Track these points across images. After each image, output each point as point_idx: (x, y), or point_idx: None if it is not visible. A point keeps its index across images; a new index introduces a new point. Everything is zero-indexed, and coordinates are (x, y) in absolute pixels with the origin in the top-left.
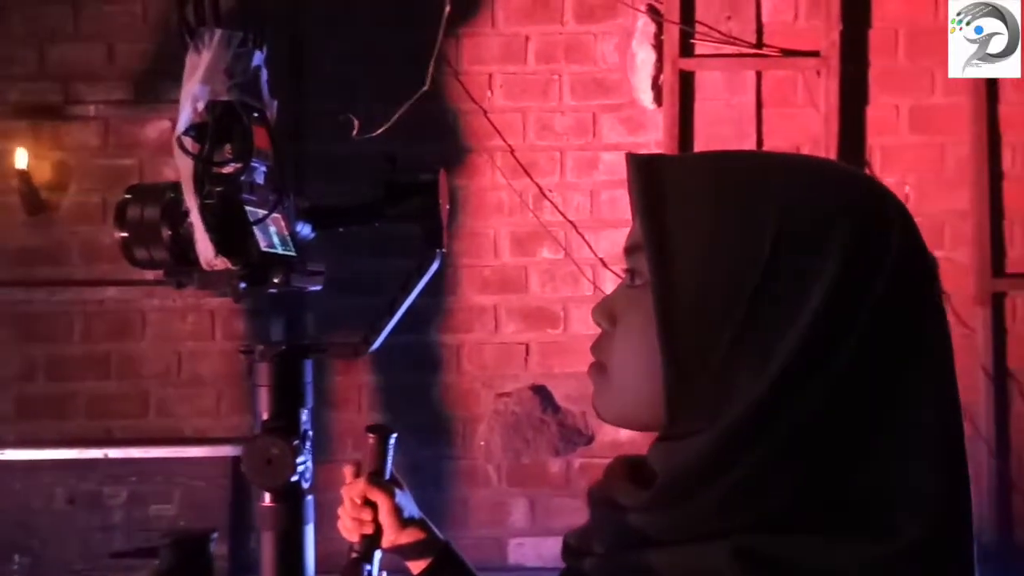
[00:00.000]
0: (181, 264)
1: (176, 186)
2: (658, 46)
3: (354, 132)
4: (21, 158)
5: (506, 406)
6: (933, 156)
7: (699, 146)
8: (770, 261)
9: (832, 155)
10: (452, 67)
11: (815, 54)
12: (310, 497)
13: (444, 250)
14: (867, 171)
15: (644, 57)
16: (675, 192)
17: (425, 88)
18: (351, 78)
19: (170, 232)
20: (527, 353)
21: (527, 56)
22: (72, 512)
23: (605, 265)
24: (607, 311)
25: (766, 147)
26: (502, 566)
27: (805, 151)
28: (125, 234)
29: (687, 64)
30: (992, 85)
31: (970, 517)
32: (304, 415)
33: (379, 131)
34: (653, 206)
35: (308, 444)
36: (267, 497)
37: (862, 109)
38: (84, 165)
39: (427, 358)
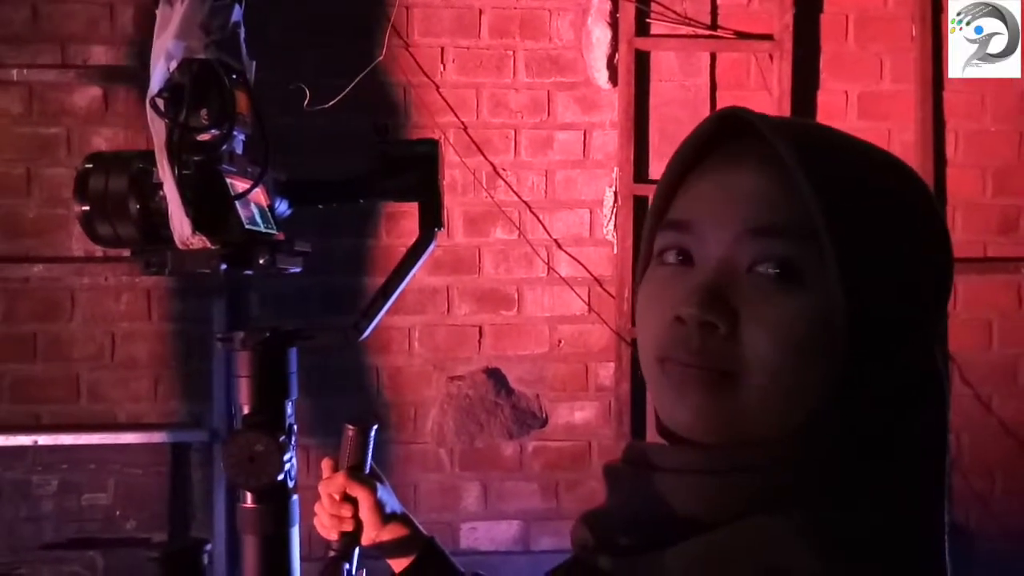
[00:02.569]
0: (151, 242)
1: (145, 155)
2: (613, 24)
3: (305, 103)
4: None
5: (459, 389)
6: (879, 142)
7: (654, 128)
8: (932, 265)
9: None
10: (403, 39)
11: (768, 37)
12: (295, 497)
13: (442, 228)
14: None
15: (599, 35)
16: (830, 171)
17: (379, 59)
18: (297, 47)
19: (139, 206)
20: (480, 335)
21: (480, 30)
22: None
23: (560, 246)
24: (725, 307)
25: None
26: (454, 551)
27: None
28: (86, 207)
29: (643, 43)
30: (937, 72)
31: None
32: (289, 408)
33: (331, 103)
34: (824, 183)
35: (294, 439)
36: (249, 498)
37: (813, 93)
38: (6, 133)
39: (378, 340)
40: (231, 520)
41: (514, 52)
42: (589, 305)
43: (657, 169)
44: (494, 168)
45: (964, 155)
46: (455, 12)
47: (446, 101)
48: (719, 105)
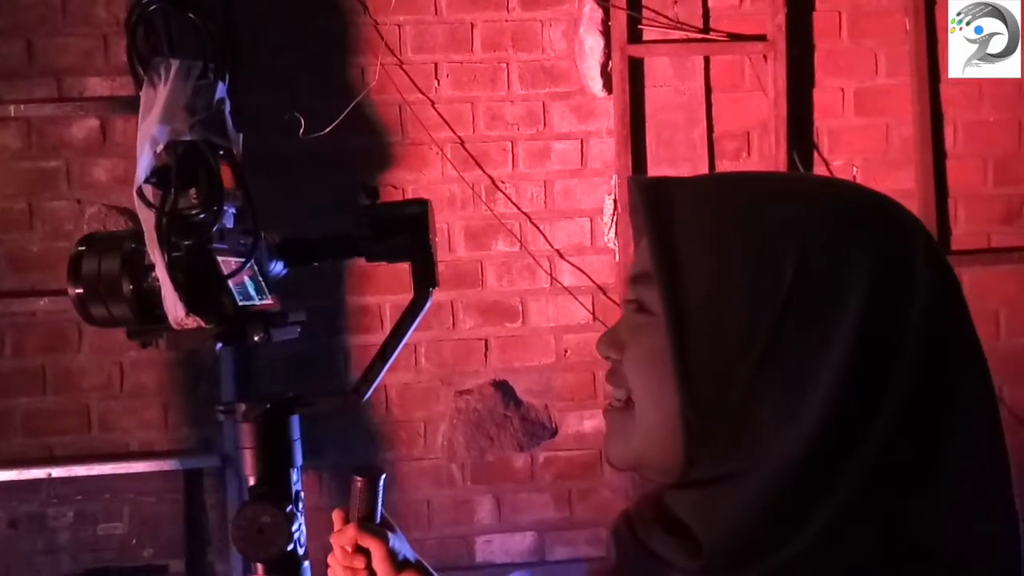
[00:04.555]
0: (146, 322)
1: (136, 235)
2: (606, 32)
3: (301, 132)
4: None
5: (467, 403)
6: (878, 137)
7: (651, 134)
8: (790, 293)
9: (781, 139)
10: (396, 56)
11: (762, 38)
12: (307, 564)
13: (437, 287)
14: (815, 154)
15: (592, 44)
16: (686, 218)
17: (373, 80)
18: (290, 70)
19: (132, 287)
20: (486, 348)
21: (473, 44)
22: (15, 536)
23: (562, 256)
24: (614, 341)
25: (716, 133)
26: (471, 564)
27: (755, 136)
28: (80, 290)
29: (635, 50)
30: (933, 64)
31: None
32: (294, 475)
33: (326, 130)
34: (662, 233)
35: (301, 507)
36: (260, 569)
37: (809, 92)
38: (6, 168)
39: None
40: None
41: (507, 64)
42: (593, 314)
43: (656, 174)
44: (493, 181)
45: (964, 146)
46: (447, 27)
47: (442, 116)
48: (715, 108)
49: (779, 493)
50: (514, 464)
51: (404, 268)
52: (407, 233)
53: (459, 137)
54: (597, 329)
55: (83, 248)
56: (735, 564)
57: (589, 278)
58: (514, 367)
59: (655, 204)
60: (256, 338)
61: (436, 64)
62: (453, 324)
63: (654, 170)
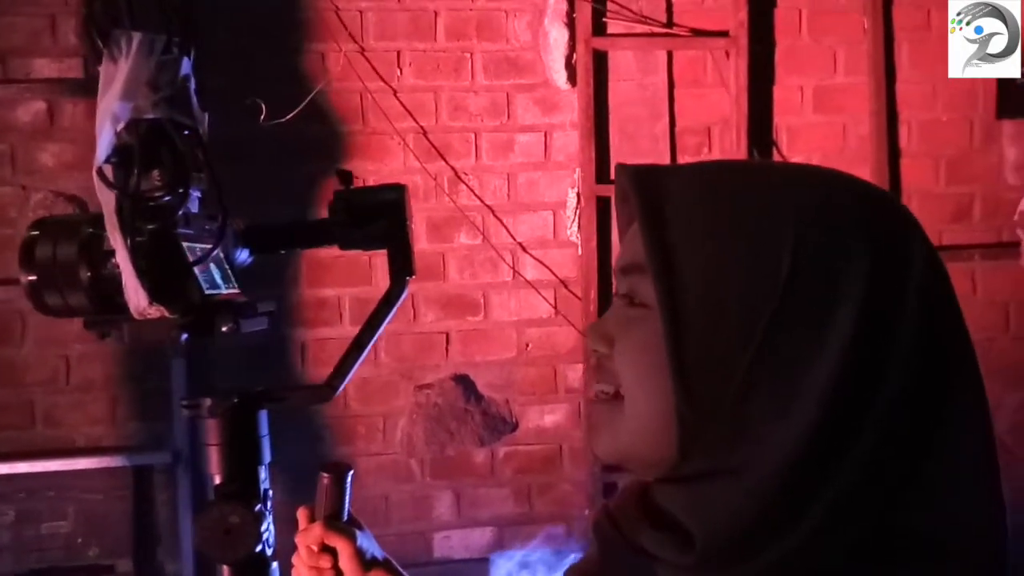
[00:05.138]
0: (105, 311)
1: (95, 219)
2: (570, 24)
3: (261, 118)
4: None
5: (428, 398)
6: (835, 135)
7: (614, 128)
8: (788, 284)
9: (742, 135)
10: (357, 43)
11: (724, 34)
12: (275, 564)
13: (414, 276)
14: (775, 150)
15: (556, 36)
16: (679, 208)
17: (334, 68)
18: (248, 53)
19: (90, 274)
20: (447, 342)
21: (436, 32)
22: None
23: (524, 249)
24: (602, 334)
25: (678, 127)
26: (429, 560)
27: (716, 131)
28: (33, 277)
29: (600, 43)
30: (889, 64)
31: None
32: (263, 473)
33: (288, 116)
34: (656, 223)
35: (269, 506)
36: (226, 572)
37: (769, 89)
38: None
39: (342, 352)
40: None
41: (471, 54)
42: (556, 307)
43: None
44: (455, 172)
45: (917, 145)
46: (410, 15)
47: (404, 106)
48: (677, 103)
49: (774, 488)
50: (474, 459)
51: (363, 260)
52: (383, 220)
53: (422, 127)
54: (559, 323)
55: (36, 232)
56: (729, 559)
57: (551, 272)
58: (475, 361)
59: (648, 193)
60: (224, 329)
61: (399, 52)
62: (414, 317)
63: (616, 164)
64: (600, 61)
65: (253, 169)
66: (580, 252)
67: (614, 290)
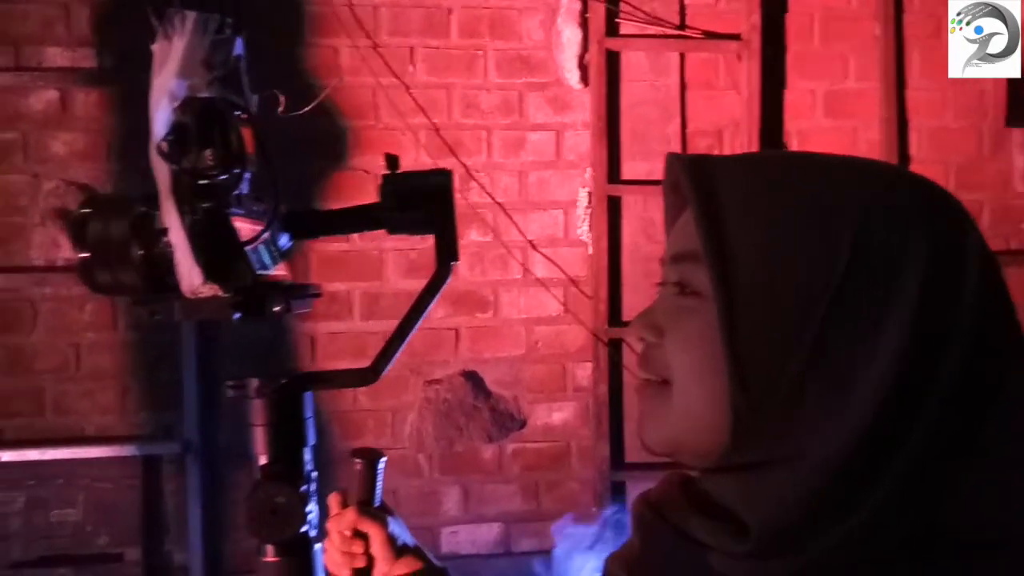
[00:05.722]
0: (155, 290)
1: (146, 197)
2: (584, 24)
3: (280, 110)
4: None
5: (437, 393)
6: (846, 140)
7: (625, 128)
8: (846, 276)
9: (753, 138)
10: (371, 39)
11: (736, 37)
12: (318, 546)
13: (457, 261)
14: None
15: (569, 35)
16: (735, 197)
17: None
18: (261, 48)
19: (142, 252)
20: (457, 338)
21: (450, 30)
22: None
23: (535, 248)
24: (652, 323)
25: (690, 129)
26: (436, 555)
27: (727, 134)
28: (86, 254)
29: (613, 44)
30: (900, 70)
31: None
32: (307, 455)
33: (305, 109)
34: (711, 211)
35: (314, 488)
36: (271, 551)
37: (780, 92)
38: None
39: (353, 346)
40: (206, 534)
41: (484, 52)
42: (565, 306)
43: (630, 169)
44: (467, 170)
45: (927, 152)
46: (424, 11)
47: (416, 102)
48: (689, 105)
49: (827, 479)
50: (482, 455)
51: (373, 255)
52: (431, 204)
53: (434, 124)
54: (568, 322)
55: (88, 210)
56: (782, 548)
57: (561, 270)
58: (484, 358)
59: (702, 182)
60: (276, 308)
61: (411, 48)
62: None
63: (628, 164)
64: (612, 61)
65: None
66: (590, 251)
67: (660, 279)
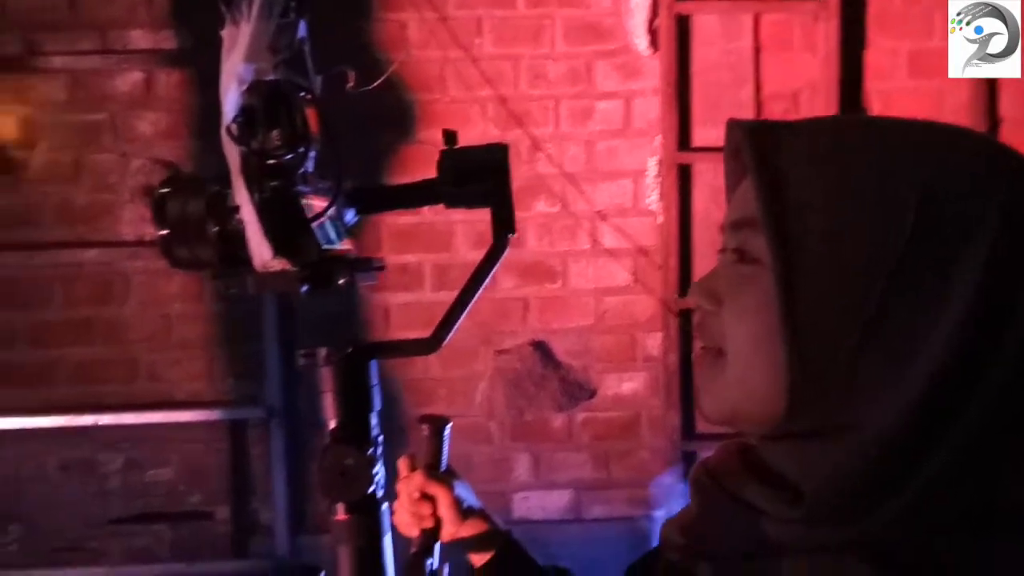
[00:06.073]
0: (229, 264)
1: (220, 177)
2: None
3: (349, 86)
4: None
5: (507, 363)
6: (931, 102)
7: (696, 94)
8: (906, 247)
9: (831, 101)
10: (438, 11)
11: None
12: (385, 505)
13: (515, 234)
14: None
15: (638, 0)
16: (796, 163)
17: (413, 41)
18: (328, 23)
19: (217, 228)
20: (526, 309)
21: None
22: (65, 480)
23: (603, 218)
24: (709, 290)
25: (764, 93)
26: (507, 520)
27: (804, 97)
28: (166, 232)
29: (684, 7)
30: None
31: None
32: (374, 420)
33: (374, 84)
34: (771, 178)
35: (380, 451)
36: (341, 510)
37: (860, 53)
38: (53, 121)
39: (424, 317)
40: (291, 494)
41: (552, 20)
42: (634, 276)
43: (701, 136)
44: (534, 141)
45: (1019, 113)
46: None
47: (483, 74)
48: (763, 68)
49: (883, 450)
50: (552, 424)
51: (443, 228)
52: (487, 178)
53: (500, 95)
54: (637, 292)
55: (167, 190)
56: (836, 516)
57: (630, 240)
58: (553, 328)
59: (762, 147)
60: (341, 281)
61: (479, 19)
62: (493, 284)
63: (699, 131)
64: (683, 26)
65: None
66: (660, 220)
67: (721, 246)
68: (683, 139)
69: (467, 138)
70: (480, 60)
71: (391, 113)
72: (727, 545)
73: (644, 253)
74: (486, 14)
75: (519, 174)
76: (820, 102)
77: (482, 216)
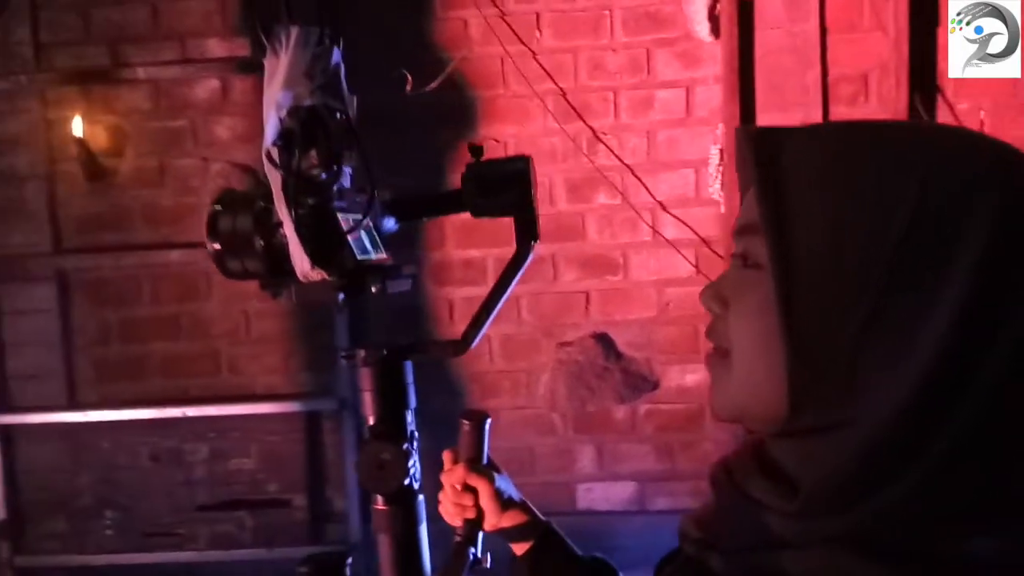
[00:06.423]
0: (276, 275)
1: (266, 194)
2: None
3: (408, 88)
4: (78, 126)
5: (568, 355)
6: (1007, 82)
7: (760, 79)
8: (902, 246)
9: (902, 82)
10: (497, 7)
11: None
12: (421, 497)
13: (538, 240)
14: (939, 98)
15: None
16: (796, 168)
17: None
18: (393, 24)
19: (263, 243)
20: (587, 301)
21: None
22: (156, 468)
23: (664, 209)
24: (717, 294)
25: (831, 76)
26: (572, 510)
27: (873, 79)
28: (218, 246)
29: None
30: None
31: None
32: (409, 416)
33: (432, 85)
34: (772, 184)
35: (415, 445)
36: (380, 500)
37: (933, 31)
38: (139, 129)
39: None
40: None
41: (611, 11)
42: (697, 267)
43: (764, 122)
44: (594, 132)
45: None
46: None
47: (543, 67)
48: (830, 50)
49: (879, 444)
50: (615, 415)
51: (507, 222)
52: (511, 189)
53: (560, 88)
54: (700, 283)
55: (219, 207)
56: (830, 508)
57: (692, 231)
58: (615, 320)
59: (763, 152)
60: (373, 289)
61: (538, 14)
62: (554, 277)
63: (763, 117)
64: (745, 10)
65: (399, 137)
66: (723, 210)
67: (731, 252)
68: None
69: (528, 132)
70: (540, 54)
71: (454, 110)
72: (736, 539)
73: (706, 243)
74: (545, 8)
75: (579, 166)
76: (890, 84)
77: (542, 210)
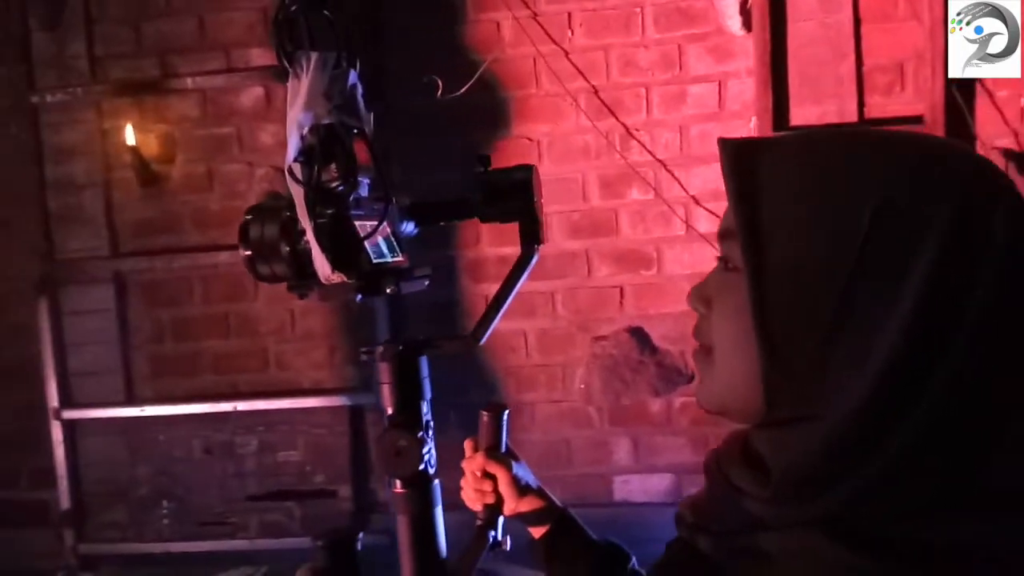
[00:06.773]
0: (301, 278)
1: (291, 204)
2: None
3: (438, 93)
4: (131, 135)
5: (603, 349)
6: None
7: (793, 72)
8: (865, 248)
9: (938, 72)
10: (529, 8)
11: None
12: (437, 481)
13: (543, 244)
14: (977, 85)
15: None
16: (771, 178)
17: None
18: (426, 28)
19: (289, 249)
20: (621, 296)
21: None
22: (209, 461)
23: (697, 203)
24: (702, 295)
25: (866, 67)
26: (609, 502)
27: (909, 68)
28: (249, 252)
29: None
30: None
31: None
32: (424, 407)
33: (462, 90)
34: (747, 192)
35: (430, 433)
36: (398, 484)
37: None
38: (188, 136)
39: (524, 305)
40: None
41: (642, 8)
42: None
43: (798, 115)
44: (627, 129)
45: None
46: None
47: (575, 66)
48: (864, 40)
49: (846, 433)
50: (650, 408)
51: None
52: (515, 196)
53: (593, 86)
54: None
55: (250, 217)
56: (801, 495)
57: None
58: (649, 314)
59: (738, 162)
60: (388, 290)
61: (569, 14)
62: (588, 272)
63: (797, 110)
64: (777, 2)
65: (433, 139)
66: None
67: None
68: (780, 119)
69: (561, 131)
70: (572, 53)
71: (487, 110)
72: (723, 522)
73: None
74: (576, 7)
75: (612, 163)
76: (926, 73)
77: (575, 207)
